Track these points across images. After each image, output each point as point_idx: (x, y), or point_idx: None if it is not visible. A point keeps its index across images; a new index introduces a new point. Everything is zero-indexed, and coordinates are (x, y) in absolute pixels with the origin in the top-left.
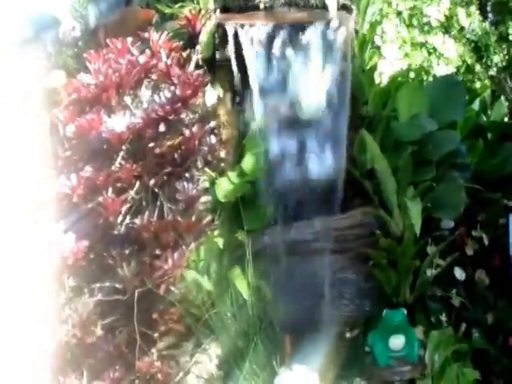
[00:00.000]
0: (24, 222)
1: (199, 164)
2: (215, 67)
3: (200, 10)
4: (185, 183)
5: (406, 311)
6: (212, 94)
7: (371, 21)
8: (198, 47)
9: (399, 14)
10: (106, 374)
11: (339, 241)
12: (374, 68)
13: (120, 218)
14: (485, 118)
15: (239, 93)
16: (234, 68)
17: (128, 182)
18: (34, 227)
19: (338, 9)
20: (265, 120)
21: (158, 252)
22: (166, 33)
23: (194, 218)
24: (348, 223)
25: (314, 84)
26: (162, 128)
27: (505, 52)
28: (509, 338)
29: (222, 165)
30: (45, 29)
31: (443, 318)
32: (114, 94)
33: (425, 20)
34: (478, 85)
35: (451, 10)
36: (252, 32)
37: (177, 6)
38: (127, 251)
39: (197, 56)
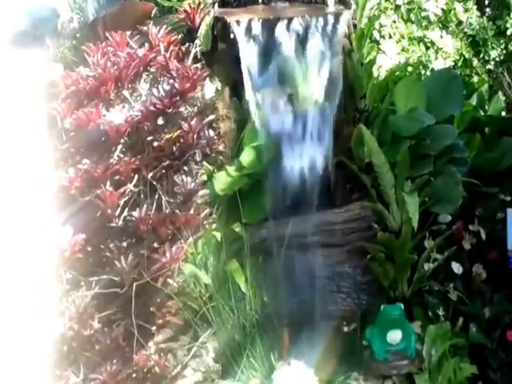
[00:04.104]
0: (22, 215)
1: (197, 157)
2: (214, 61)
3: (199, 4)
4: (183, 176)
5: (403, 306)
6: (210, 88)
7: (369, 15)
8: (197, 41)
9: (397, 8)
10: (103, 367)
11: (337, 235)
12: (372, 62)
13: (118, 211)
14: (482, 113)
15: (238, 86)
16: (233, 61)
17: (126, 175)
18: (31, 220)
19: (337, 3)
20: (262, 113)
21: (155, 245)
22: (164, 26)
23: (192, 212)
24: (346, 217)
25: (311, 77)
26: (160, 121)
27: (502, 46)
28: (506, 333)
29: (221, 158)
30: (43, 21)
31: (440, 312)
32: (113, 86)
33: (423, 15)
34: (475, 79)
35: (448, 4)
36: (250, 26)
37: None
38: (125, 244)
39: (195, 49)
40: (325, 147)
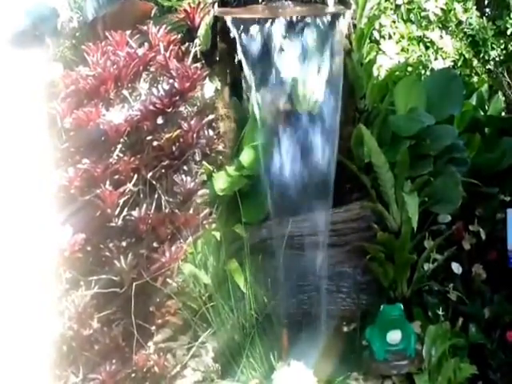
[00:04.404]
0: (21, 214)
1: (197, 157)
2: (214, 60)
3: (199, 3)
4: (183, 176)
5: (402, 306)
6: (210, 87)
7: (369, 15)
8: (197, 40)
9: (397, 8)
10: (103, 367)
11: (336, 234)
12: (372, 62)
13: (117, 211)
14: (482, 113)
15: (237, 86)
16: (233, 61)
17: (126, 174)
18: (31, 219)
19: (336, 3)
20: (262, 113)
21: (155, 245)
22: (164, 26)
23: (191, 211)
24: (345, 217)
25: (311, 77)
26: (160, 121)
27: (502, 47)
28: (506, 333)
29: (220, 158)
30: (43, 20)
31: (440, 312)
32: (113, 86)
33: (422, 15)
34: (475, 79)
35: (448, 4)
36: (250, 25)
37: None
38: (124, 244)
39: (195, 49)
40: (325, 147)
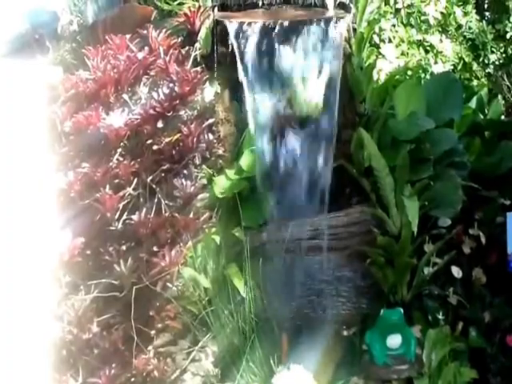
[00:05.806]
0: (21, 219)
1: (197, 161)
2: (214, 64)
3: (199, 7)
4: (183, 180)
5: (402, 310)
6: (210, 91)
7: (369, 19)
8: (197, 44)
9: (397, 12)
10: (102, 371)
11: (336, 238)
12: (371, 66)
13: (117, 215)
14: (482, 116)
15: (237, 89)
16: (233, 65)
17: (126, 178)
18: (31, 223)
19: (336, 7)
20: (261, 117)
21: (155, 249)
22: (164, 30)
23: (191, 215)
24: (345, 221)
25: (310, 81)
26: (160, 125)
27: (502, 50)
28: (506, 337)
29: (220, 162)
30: (43, 24)
31: (440, 316)
32: (113, 90)
33: (422, 18)
34: (475, 83)
35: (448, 8)
36: (250, 29)
37: (176, 2)
38: (124, 248)
39: (195, 53)
40: (324, 151)
